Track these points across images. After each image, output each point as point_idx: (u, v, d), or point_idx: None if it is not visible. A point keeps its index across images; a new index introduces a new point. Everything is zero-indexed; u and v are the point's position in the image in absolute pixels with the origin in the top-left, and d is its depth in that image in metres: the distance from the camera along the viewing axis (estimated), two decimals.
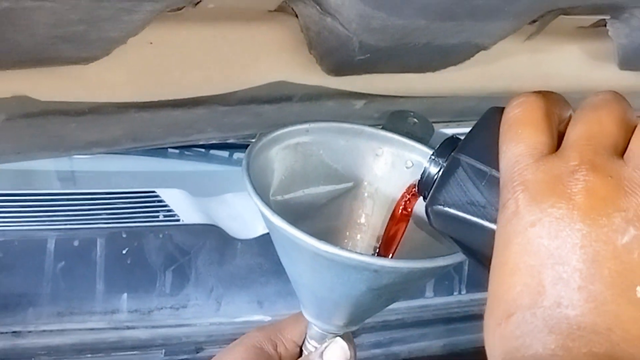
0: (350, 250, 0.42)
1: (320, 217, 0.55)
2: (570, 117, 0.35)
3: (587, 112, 0.33)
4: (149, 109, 0.44)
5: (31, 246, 0.92)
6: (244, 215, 1.04)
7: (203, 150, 1.32)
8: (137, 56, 0.40)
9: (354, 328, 0.54)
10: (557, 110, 0.35)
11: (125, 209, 0.99)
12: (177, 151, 1.29)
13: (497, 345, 0.30)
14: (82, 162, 1.21)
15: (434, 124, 0.57)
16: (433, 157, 0.41)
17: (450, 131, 0.62)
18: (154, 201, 1.03)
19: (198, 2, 0.36)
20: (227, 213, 1.05)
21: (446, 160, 0.39)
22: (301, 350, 0.56)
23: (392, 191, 0.55)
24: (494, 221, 0.34)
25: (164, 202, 1.03)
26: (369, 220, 0.57)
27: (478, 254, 0.37)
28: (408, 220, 0.51)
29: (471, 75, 0.50)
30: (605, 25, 0.47)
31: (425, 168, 0.41)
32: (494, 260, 0.32)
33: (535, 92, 0.35)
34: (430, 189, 0.39)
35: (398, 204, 0.52)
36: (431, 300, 1.10)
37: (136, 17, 0.33)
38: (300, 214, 0.52)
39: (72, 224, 0.95)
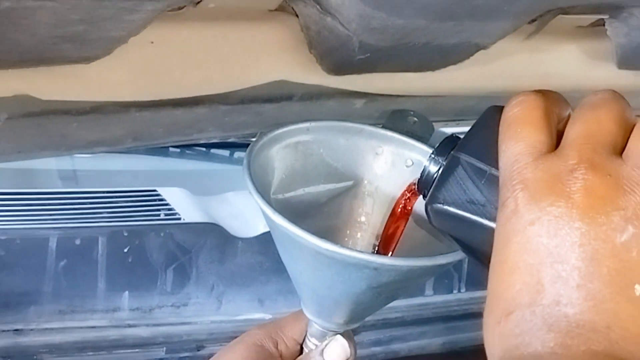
0: (350, 248, 0.43)
1: (321, 215, 0.55)
2: (569, 116, 0.35)
3: (586, 111, 0.33)
4: (150, 108, 0.45)
5: (33, 245, 0.92)
6: (245, 213, 1.04)
7: (204, 149, 1.32)
8: (138, 55, 0.40)
9: (354, 326, 0.54)
10: (557, 109, 0.35)
11: (126, 207, 1.00)
12: (178, 150, 1.29)
13: (496, 343, 0.31)
14: (83, 161, 1.21)
15: (433, 123, 0.57)
16: (433, 155, 0.41)
17: (449, 130, 0.62)
18: (155, 200, 1.03)
19: (199, 2, 0.36)
20: (228, 212, 1.05)
21: (446, 159, 0.39)
22: (302, 348, 0.56)
23: (392, 190, 0.55)
24: (494, 220, 0.34)
25: (165, 200, 1.03)
26: (369, 218, 0.57)
27: (477, 252, 0.37)
28: (408, 219, 0.52)
29: (471, 75, 0.50)
30: (604, 25, 0.47)
31: (425, 167, 0.41)
32: (494, 258, 0.32)
33: (534, 91, 0.35)
34: (430, 188, 0.39)
35: (398, 203, 0.52)
36: (431, 299, 1.10)
37: (137, 17, 0.33)
38: (300, 213, 0.52)
39: (73, 222, 0.95)
